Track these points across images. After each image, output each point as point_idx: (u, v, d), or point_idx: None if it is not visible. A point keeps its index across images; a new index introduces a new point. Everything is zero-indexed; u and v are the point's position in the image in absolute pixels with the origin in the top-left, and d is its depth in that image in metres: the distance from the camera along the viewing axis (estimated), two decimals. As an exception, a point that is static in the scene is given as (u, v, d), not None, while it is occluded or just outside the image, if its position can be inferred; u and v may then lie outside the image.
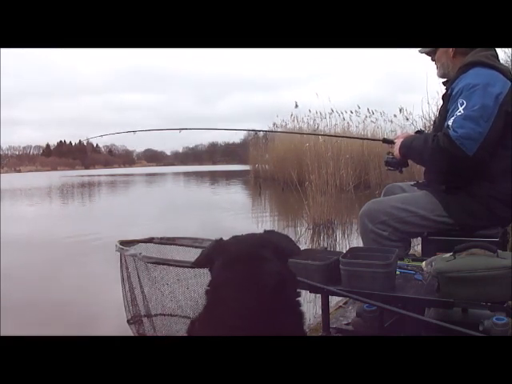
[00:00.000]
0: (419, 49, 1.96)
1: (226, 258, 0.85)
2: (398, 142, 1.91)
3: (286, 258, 0.89)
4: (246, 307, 0.78)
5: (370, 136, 10.92)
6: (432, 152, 1.69)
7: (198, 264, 0.92)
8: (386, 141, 2.09)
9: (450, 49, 1.84)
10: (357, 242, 4.26)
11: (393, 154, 1.95)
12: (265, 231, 0.93)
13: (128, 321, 1.95)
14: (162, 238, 2.06)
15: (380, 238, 1.81)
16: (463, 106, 1.64)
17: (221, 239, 0.92)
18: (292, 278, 0.88)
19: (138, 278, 1.85)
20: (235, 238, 0.91)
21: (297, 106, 11.91)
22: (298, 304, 0.85)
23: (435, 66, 1.95)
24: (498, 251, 1.35)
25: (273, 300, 0.80)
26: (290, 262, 1.62)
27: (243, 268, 0.82)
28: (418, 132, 2.13)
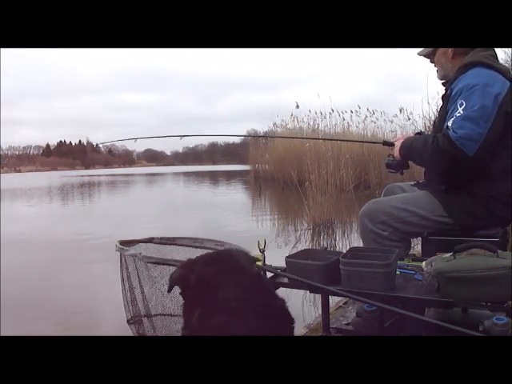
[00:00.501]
0: (418, 51, 1.95)
1: (204, 262, 0.90)
2: (398, 144, 1.91)
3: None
4: (242, 296, 0.81)
5: (370, 136, 10.95)
6: (432, 153, 1.69)
7: (176, 281, 0.94)
8: (386, 143, 2.09)
9: (449, 50, 1.84)
10: (357, 242, 4.26)
11: (393, 156, 1.95)
12: (225, 249, 1.02)
13: (128, 321, 1.95)
14: (161, 238, 2.06)
15: (380, 238, 1.81)
16: (463, 107, 1.64)
17: (189, 259, 0.97)
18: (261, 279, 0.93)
19: (138, 278, 1.85)
20: (206, 255, 0.97)
21: (298, 106, 11.93)
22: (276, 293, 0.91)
23: (435, 69, 1.95)
24: (498, 251, 1.35)
25: (263, 286, 0.86)
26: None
27: (229, 262, 0.88)
28: (419, 133, 2.13)
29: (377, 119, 11.56)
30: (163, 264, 1.77)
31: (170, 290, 0.98)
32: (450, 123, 1.66)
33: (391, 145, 2.01)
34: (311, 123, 11.86)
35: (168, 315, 1.85)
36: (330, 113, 11.20)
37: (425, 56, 1.95)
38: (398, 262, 1.61)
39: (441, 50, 1.88)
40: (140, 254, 1.76)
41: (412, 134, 2.17)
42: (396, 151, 1.91)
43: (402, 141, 1.91)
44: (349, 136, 10.74)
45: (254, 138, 15.03)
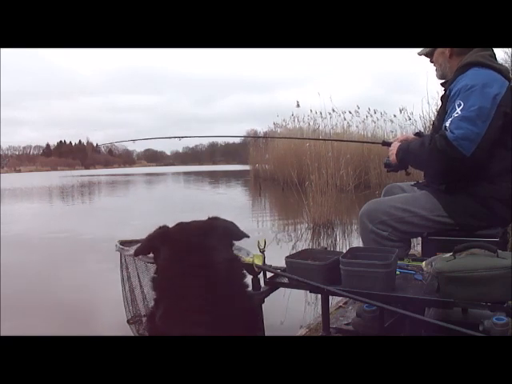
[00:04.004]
0: (418, 51, 1.96)
1: (171, 248, 0.84)
2: (394, 148, 1.90)
3: (232, 241, 0.90)
4: (198, 299, 0.78)
5: (370, 136, 10.94)
6: (429, 154, 1.69)
7: (140, 252, 0.90)
8: (385, 143, 2.10)
9: (447, 50, 1.84)
10: (357, 241, 4.26)
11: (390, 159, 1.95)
12: (209, 218, 0.92)
13: (128, 321, 1.95)
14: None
15: (380, 238, 1.81)
16: (461, 107, 1.64)
17: (164, 226, 0.90)
18: (237, 262, 0.89)
19: (138, 278, 1.85)
20: (180, 226, 0.90)
21: (298, 105, 11.89)
22: (246, 286, 0.86)
23: (434, 68, 1.96)
24: (498, 251, 1.35)
25: (221, 286, 0.80)
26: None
27: (190, 259, 0.81)
28: (417, 134, 2.13)
29: (377, 119, 11.57)
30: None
31: (137, 254, 0.91)
32: (447, 124, 1.66)
33: (390, 144, 2.02)
34: (311, 123, 11.86)
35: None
36: (330, 113, 11.19)
37: (424, 55, 1.95)
38: (398, 262, 1.61)
39: (439, 50, 1.88)
40: (140, 253, 1.75)
41: (411, 134, 2.18)
42: (392, 155, 1.90)
43: (397, 145, 1.90)
44: (349, 136, 10.74)
45: (253, 138, 15.03)
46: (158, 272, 0.85)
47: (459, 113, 1.63)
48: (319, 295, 1.84)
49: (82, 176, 30.85)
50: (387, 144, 2.06)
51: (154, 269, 1.78)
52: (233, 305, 0.80)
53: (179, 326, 0.77)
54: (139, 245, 0.90)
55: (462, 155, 1.61)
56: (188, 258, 0.82)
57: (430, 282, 1.42)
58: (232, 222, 0.92)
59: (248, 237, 0.93)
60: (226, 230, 0.88)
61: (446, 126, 1.66)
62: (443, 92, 1.88)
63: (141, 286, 1.86)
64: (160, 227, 0.90)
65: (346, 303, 2.45)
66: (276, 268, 1.71)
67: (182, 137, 2.77)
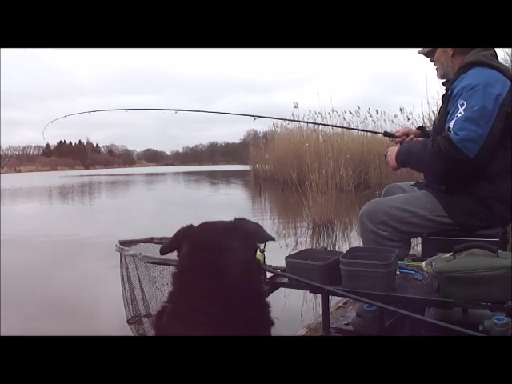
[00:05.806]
0: (418, 50, 1.95)
1: (190, 245, 0.83)
2: (393, 153, 1.89)
3: (255, 244, 0.88)
4: (206, 298, 0.76)
5: (369, 136, 10.95)
6: (432, 156, 1.68)
7: (166, 250, 0.90)
8: (387, 134, 2.13)
9: (449, 48, 1.83)
10: (357, 242, 4.26)
11: (387, 157, 1.94)
12: (235, 219, 0.91)
13: (128, 321, 1.95)
14: (162, 238, 2.06)
15: (380, 238, 1.81)
16: (463, 107, 1.63)
17: (191, 225, 0.89)
18: (257, 267, 0.86)
19: (138, 278, 1.85)
20: (204, 225, 0.88)
21: (296, 106, 11.86)
22: (263, 293, 0.84)
23: (434, 68, 1.95)
24: (498, 251, 1.35)
25: (234, 290, 0.78)
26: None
27: (205, 257, 0.80)
28: (420, 128, 2.13)
29: (377, 119, 11.57)
30: (163, 264, 1.77)
31: (163, 253, 0.89)
32: (451, 124, 1.65)
33: (392, 136, 2.03)
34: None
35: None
36: (330, 113, 11.18)
37: (424, 54, 1.94)
38: (398, 262, 1.61)
39: (440, 49, 1.87)
40: (140, 254, 1.76)
41: (414, 128, 2.18)
42: (391, 160, 1.90)
43: (395, 149, 1.89)
44: (349, 136, 10.75)
45: (254, 136, 15.02)
46: (178, 268, 0.85)
47: (462, 113, 1.62)
48: (319, 295, 1.84)
49: (81, 176, 30.85)
50: (389, 135, 2.07)
51: (155, 269, 1.78)
52: (244, 309, 0.78)
53: (183, 324, 0.77)
54: (164, 243, 0.90)
55: (466, 156, 1.61)
56: (206, 257, 0.80)
57: (430, 282, 1.42)
58: (258, 224, 0.90)
59: (273, 239, 0.91)
60: (250, 231, 0.87)
61: (449, 128, 1.65)
62: (444, 91, 1.88)
63: (141, 286, 1.86)
64: (186, 226, 0.89)
65: (346, 303, 2.45)
66: (276, 268, 1.71)
67: (178, 109, 2.84)
